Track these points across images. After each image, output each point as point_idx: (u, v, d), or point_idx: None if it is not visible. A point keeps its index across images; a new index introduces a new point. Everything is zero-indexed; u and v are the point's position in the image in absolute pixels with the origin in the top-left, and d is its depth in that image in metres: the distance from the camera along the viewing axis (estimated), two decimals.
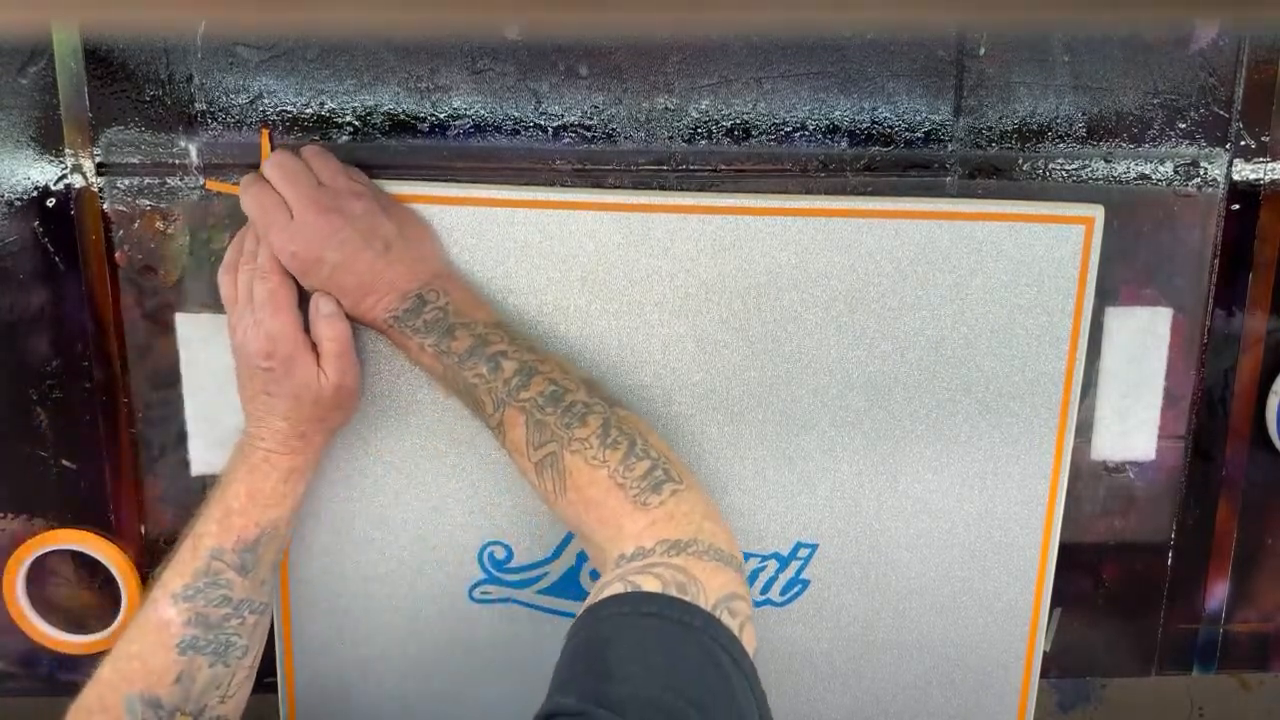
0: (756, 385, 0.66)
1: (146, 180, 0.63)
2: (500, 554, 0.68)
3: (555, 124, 0.63)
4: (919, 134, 0.65)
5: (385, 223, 0.59)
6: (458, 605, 0.68)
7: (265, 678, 0.70)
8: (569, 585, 0.69)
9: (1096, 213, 0.64)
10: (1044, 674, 0.73)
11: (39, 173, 0.63)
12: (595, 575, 0.69)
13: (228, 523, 0.59)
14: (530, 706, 0.70)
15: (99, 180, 0.63)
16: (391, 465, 0.66)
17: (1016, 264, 0.65)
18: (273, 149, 0.61)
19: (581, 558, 0.68)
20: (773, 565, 0.69)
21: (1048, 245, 0.65)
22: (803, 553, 0.69)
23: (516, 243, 0.63)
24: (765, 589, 0.70)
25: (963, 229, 0.64)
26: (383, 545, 0.67)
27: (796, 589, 0.70)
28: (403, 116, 0.63)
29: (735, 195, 0.64)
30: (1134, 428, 0.70)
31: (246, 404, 0.61)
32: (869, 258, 0.64)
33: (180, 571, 0.58)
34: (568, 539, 0.68)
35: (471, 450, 0.66)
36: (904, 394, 0.67)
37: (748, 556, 0.69)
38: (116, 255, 0.64)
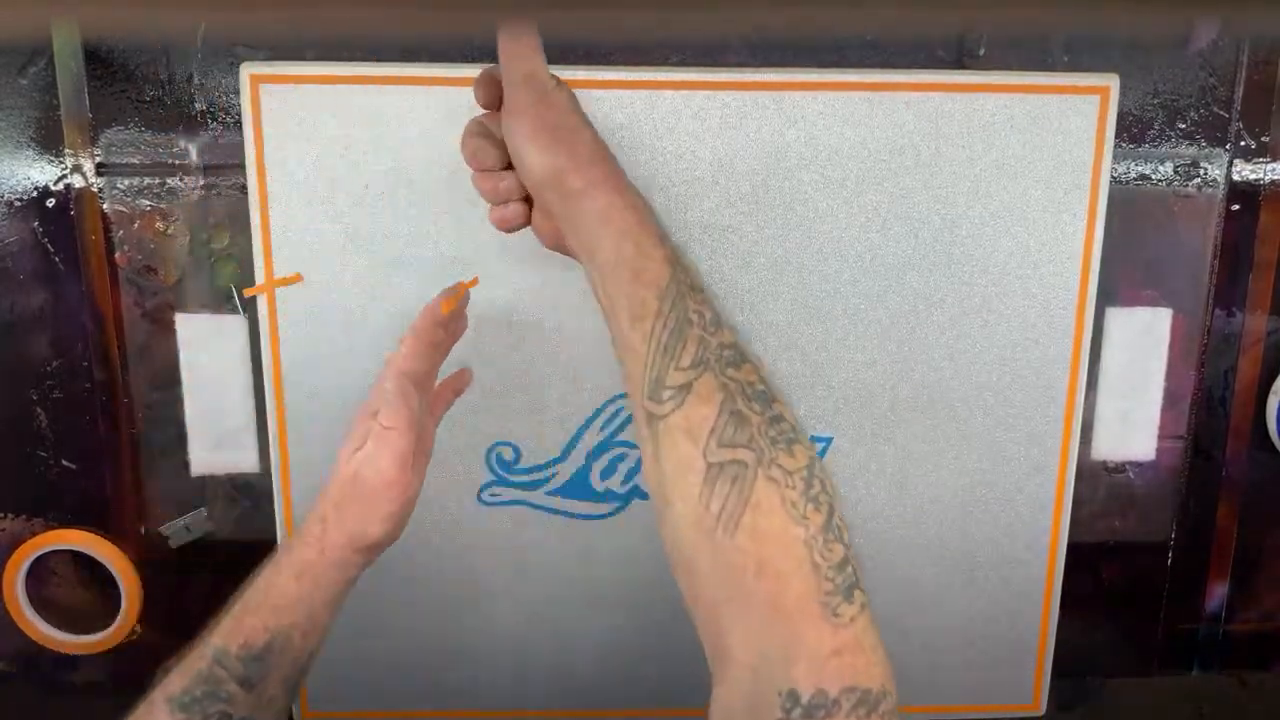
0: (766, 271, 0.63)
1: (146, 180, 0.63)
2: (508, 454, 0.66)
3: None
4: None
5: None
6: (466, 507, 0.66)
7: None
8: (578, 486, 0.67)
9: (1112, 81, 0.62)
10: None
11: (39, 173, 0.63)
12: (605, 475, 0.67)
13: (239, 621, 0.51)
14: (537, 609, 0.70)
15: (99, 180, 0.63)
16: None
17: (1030, 136, 0.62)
18: None
19: (591, 457, 0.67)
20: None
21: (1062, 116, 0.62)
22: (816, 446, 0.66)
23: None
24: None
25: (975, 100, 0.62)
26: None
27: None
28: None
29: (741, 70, 0.62)
30: (1134, 428, 0.70)
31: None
32: (880, 133, 0.62)
33: (184, 671, 0.50)
34: (575, 438, 0.66)
35: (476, 347, 0.63)
36: (918, 276, 0.64)
37: None
38: (116, 255, 0.64)
